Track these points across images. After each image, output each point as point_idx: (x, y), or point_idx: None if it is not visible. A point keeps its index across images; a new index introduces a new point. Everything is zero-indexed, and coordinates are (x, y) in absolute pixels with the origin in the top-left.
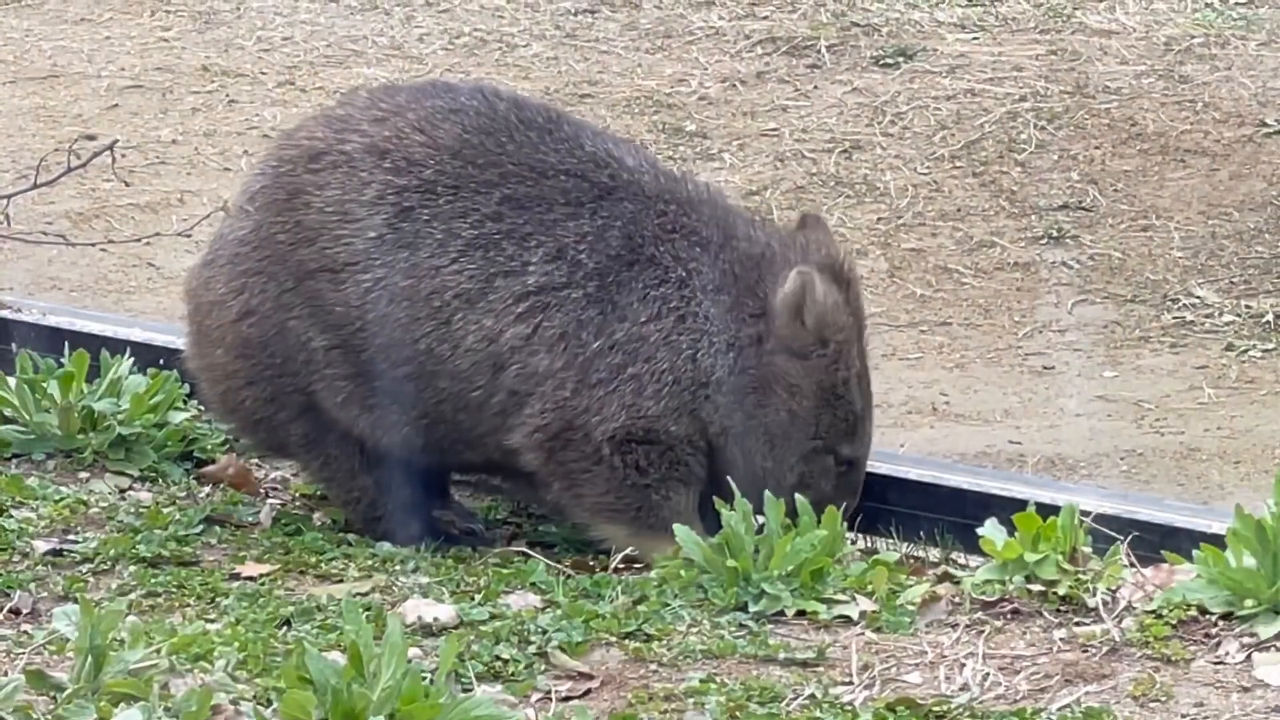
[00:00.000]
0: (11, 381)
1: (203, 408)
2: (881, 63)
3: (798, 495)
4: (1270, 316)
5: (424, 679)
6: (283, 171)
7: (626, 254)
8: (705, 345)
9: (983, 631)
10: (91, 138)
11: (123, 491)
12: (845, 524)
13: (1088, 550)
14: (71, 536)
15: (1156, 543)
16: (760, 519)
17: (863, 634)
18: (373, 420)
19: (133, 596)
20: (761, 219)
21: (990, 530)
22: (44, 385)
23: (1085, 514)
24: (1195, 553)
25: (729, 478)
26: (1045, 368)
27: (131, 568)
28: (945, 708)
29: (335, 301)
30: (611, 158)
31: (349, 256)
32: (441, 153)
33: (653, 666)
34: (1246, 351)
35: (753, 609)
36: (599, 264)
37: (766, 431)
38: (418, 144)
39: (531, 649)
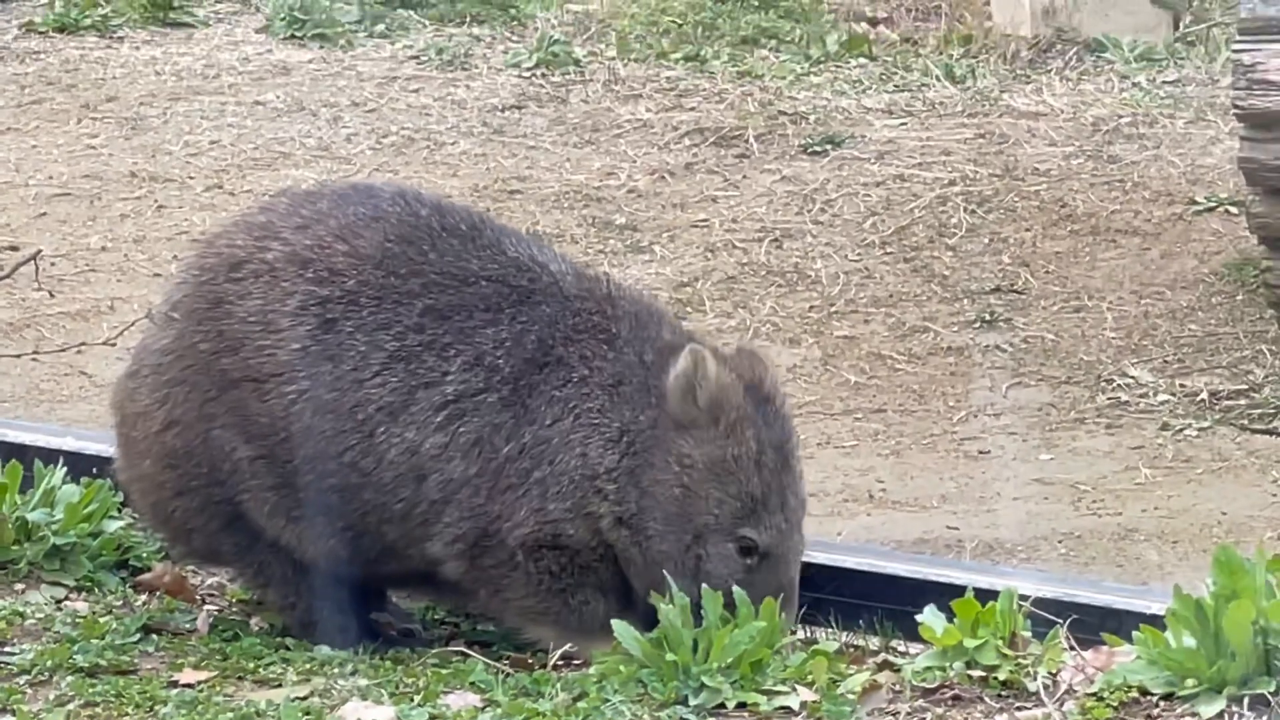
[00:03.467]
0: None
1: (136, 516)
2: (810, 150)
3: (736, 589)
4: (1205, 395)
5: None
6: (204, 280)
7: (539, 356)
8: (596, 438)
9: (924, 719)
10: (15, 248)
11: (59, 602)
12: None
13: (1027, 634)
14: (8, 648)
15: (1096, 625)
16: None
17: None
18: (299, 531)
19: (71, 707)
20: (687, 331)
21: (929, 617)
22: None
23: (1024, 598)
24: (1135, 634)
25: (639, 557)
26: (981, 452)
27: (69, 678)
28: None
29: (259, 412)
30: (534, 262)
31: (273, 367)
32: (364, 263)
33: None
34: (1182, 431)
35: (693, 702)
36: (514, 368)
37: (661, 510)
38: (340, 253)
39: None
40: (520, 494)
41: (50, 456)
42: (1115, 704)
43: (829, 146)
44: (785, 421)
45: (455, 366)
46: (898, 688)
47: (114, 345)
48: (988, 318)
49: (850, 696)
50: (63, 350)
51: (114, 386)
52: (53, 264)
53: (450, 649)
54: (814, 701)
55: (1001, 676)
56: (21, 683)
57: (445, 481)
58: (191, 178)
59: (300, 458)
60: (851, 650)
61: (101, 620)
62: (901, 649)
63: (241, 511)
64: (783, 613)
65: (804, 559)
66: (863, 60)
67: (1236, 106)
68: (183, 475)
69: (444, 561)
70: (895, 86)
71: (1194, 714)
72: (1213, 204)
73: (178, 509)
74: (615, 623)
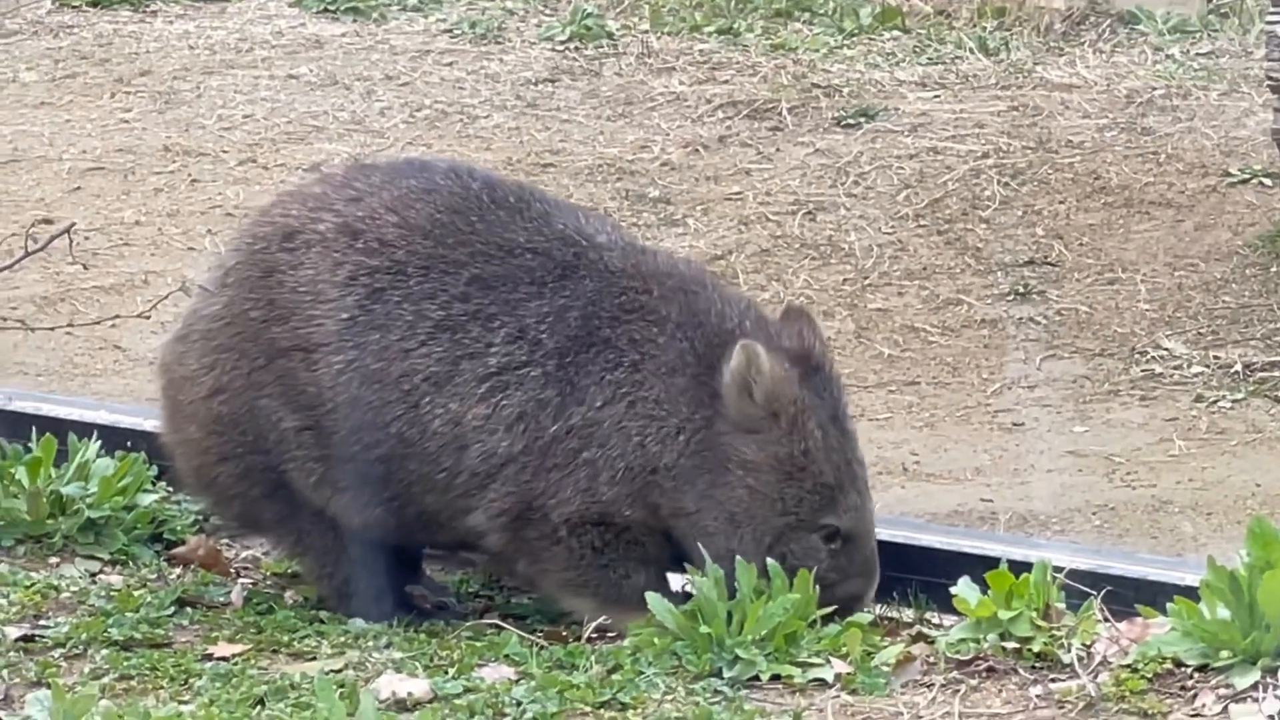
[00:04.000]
0: None
1: (172, 488)
2: (843, 123)
3: (769, 560)
4: (1239, 367)
5: None
6: (257, 249)
7: (584, 335)
8: (654, 431)
9: (958, 691)
10: (49, 221)
11: (93, 575)
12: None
13: (1061, 606)
14: (43, 622)
15: (1130, 597)
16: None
17: (838, 696)
18: (345, 501)
19: (106, 680)
20: (745, 301)
21: (964, 589)
22: (12, 471)
23: (1058, 570)
24: (1169, 606)
25: (700, 544)
26: (1015, 424)
27: (104, 651)
28: None
29: (307, 382)
30: (581, 235)
31: (321, 337)
32: (413, 233)
33: None
34: (1216, 402)
35: (727, 674)
36: (558, 344)
37: (728, 512)
38: (390, 224)
39: None
40: (567, 473)
41: (84, 430)
42: (1149, 675)
43: (862, 119)
44: (835, 386)
45: (499, 338)
46: (932, 660)
47: (148, 319)
48: (1021, 290)
49: (885, 668)
50: (96, 324)
51: (161, 349)
52: (86, 238)
53: (485, 622)
54: (848, 673)
55: (1036, 648)
56: (56, 656)
57: (489, 454)
58: (225, 152)
59: (347, 428)
60: (886, 622)
61: (136, 594)
62: (935, 621)
63: (284, 480)
64: (866, 585)
65: None
66: (896, 33)
67: (1270, 78)
68: (228, 442)
69: (486, 534)
70: (929, 59)
71: (1228, 685)
72: (1246, 176)
73: (221, 475)
74: (649, 596)
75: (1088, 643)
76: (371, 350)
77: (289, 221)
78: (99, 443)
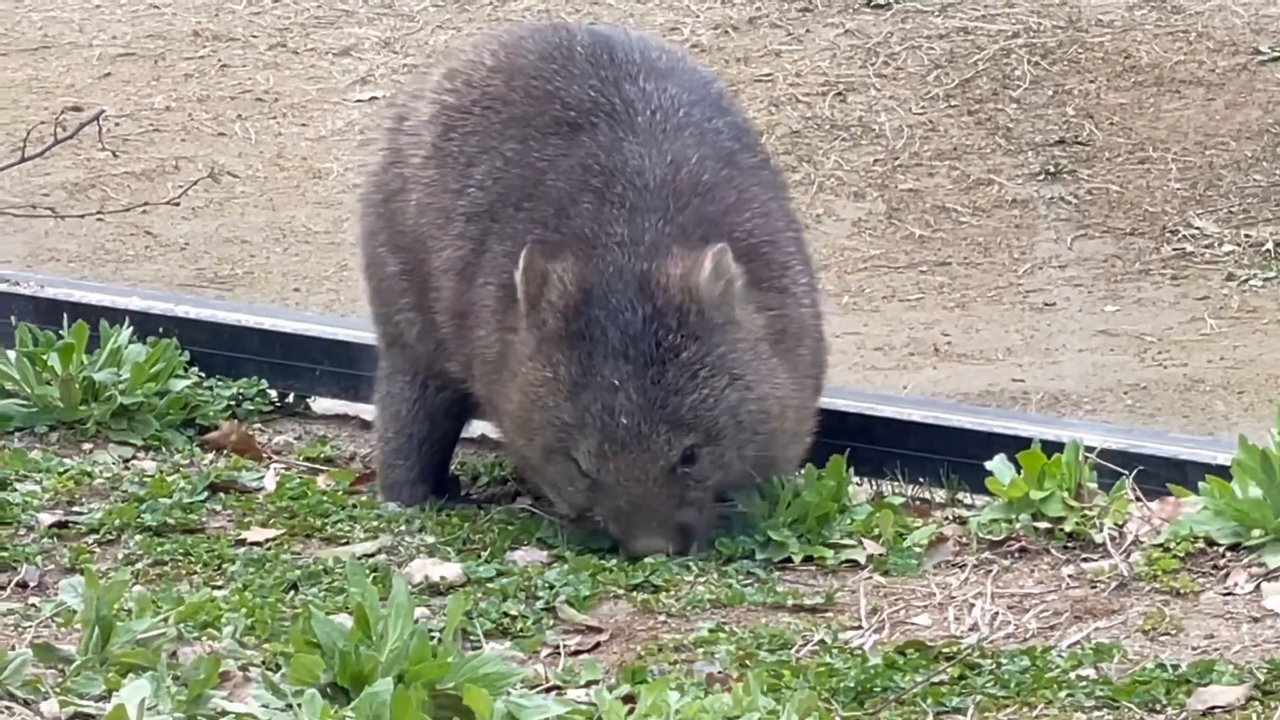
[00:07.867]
0: (11, 355)
1: (205, 373)
2: (873, 4)
3: None
4: (1270, 245)
5: (432, 638)
6: (396, 103)
7: (507, 199)
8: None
9: (990, 571)
10: (78, 109)
11: (126, 461)
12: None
13: (1093, 486)
14: (76, 508)
15: (1162, 476)
16: None
17: (871, 578)
18: (446, 356)
19: (139, 566)
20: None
21: (997, 469)
22: (44, 358)
23: (1090, 450)
24: (1201, 485)
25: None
26: (1046, 304)
27: (137, 537)
28: (955, 648)
29: (400, 224)
30: (629, 104)
31: (410, 173)
32: (495, 75)
33: (661, 618)
34: (1247, 281)
35: (760, 556)
36: (493, 200)
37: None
38: (484, 67)
39: (539, 604)
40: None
41: (116, 316)
42: (1181, 555)
43: None
44: (635, 324)
45: (475, 178)
46: (964, 540)
47: (178, 205)
48: (1052, 170)
49: (917, 549)
50: (127, 210)
51: None
52: (117, 124)
53: (517, 506)
54: (881, 555)
55: (1068, 528)
56: (90, 542)
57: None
58: (255, 36)
59: (424, 271)
60: (918, 503)
61: (169, 479)
62: (968, 501)
63: (397, 337)
64: (621, 533)
65: (870, 413)
66: None
67: None
68: (371, 291)
69: None
70: None
71: (1260, 564)
72: (1277, 54)
73: (378, 333)
74: None
75: (1119, 522)
76: (425, 185)
77: (424, 73)
78: (131, 329)
